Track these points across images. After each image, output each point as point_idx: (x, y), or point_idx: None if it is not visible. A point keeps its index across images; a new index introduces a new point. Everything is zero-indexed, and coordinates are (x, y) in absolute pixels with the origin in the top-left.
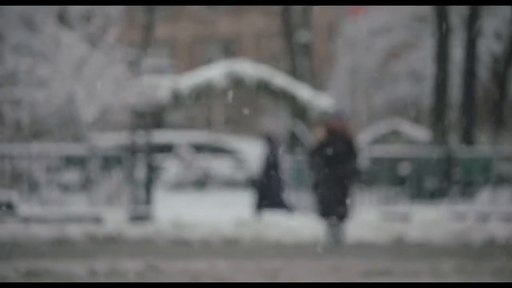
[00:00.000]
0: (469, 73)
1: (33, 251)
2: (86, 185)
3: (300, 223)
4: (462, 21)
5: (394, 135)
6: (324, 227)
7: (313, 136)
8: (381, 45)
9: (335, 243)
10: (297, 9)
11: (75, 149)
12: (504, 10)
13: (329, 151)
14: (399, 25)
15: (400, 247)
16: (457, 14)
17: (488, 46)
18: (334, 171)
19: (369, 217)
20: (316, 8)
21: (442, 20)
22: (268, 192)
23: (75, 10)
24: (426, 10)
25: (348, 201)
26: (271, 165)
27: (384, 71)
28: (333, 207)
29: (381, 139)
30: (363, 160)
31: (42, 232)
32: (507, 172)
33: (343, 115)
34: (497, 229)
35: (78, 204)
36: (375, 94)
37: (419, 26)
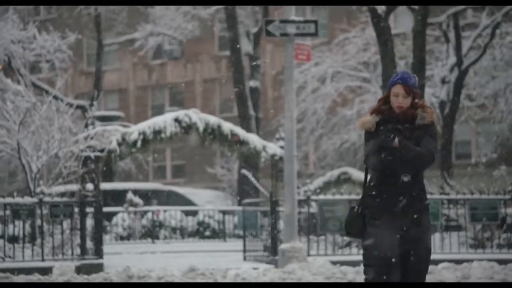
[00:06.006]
0: None
1: None
2: (34, 236)
3: (250, 269)
4: (408, 67)
5: (344, 180)
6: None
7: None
8: (328, 91)
9: None
10: (246, 56)
11: (23, 200)
12: (449, 58)
13: (386, 148)
14: (346, 71)
15: None
16: (404, 60)
17: (435, 92)
18: (396, 188)
19: (321, 264)
20: (266, 55)
21: (389, 66)
22: None
23: (22, 59)
24: (373, 56)
25: (427, 247)
26: None
27: (332, 118)
28: (393, 262)
29: (332, 186)
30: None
31: None
32: (455, 217)
33: (414, 83)
34: (446, 274)
35: (26, 256)
36: (325, 140)
37: (366, 72)
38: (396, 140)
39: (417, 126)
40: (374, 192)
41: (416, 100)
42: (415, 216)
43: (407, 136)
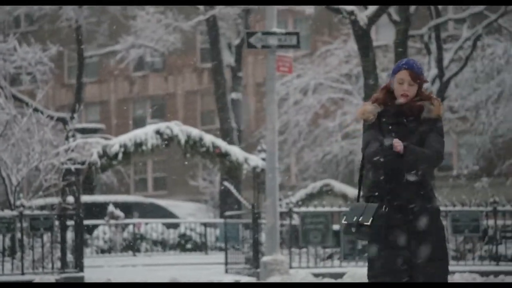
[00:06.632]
0: None
1: None
2: (13, 249)
3: (232, 281)
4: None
5: (326, 192)
6: None
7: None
8: (310, 103)
9: None
10: (227, 68)
11: (2, 213)
12: (431, 70)
13: (389, 144)
14: (328, 83)
15: None
16: (386, 72)
17: None
18: (399, 189)
19: (303, 277)
20: (247, 67)
21: (371, 78)
22: None
23: (2, 71)
24: (355, 68)
25: (441, 252)
26: None
27: (314, 129)
28: (403, 268)
29: (315, 197)
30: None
31: None
32: None
33: (420, 71)
34: None
35: (6, 270)
36: (307, 152)
37: (349, 84)
38: (401, 146)
39: (422, 120)
40: (377, 193)
41: (423, 90)
42: (426, 217)
43: (412, 130)
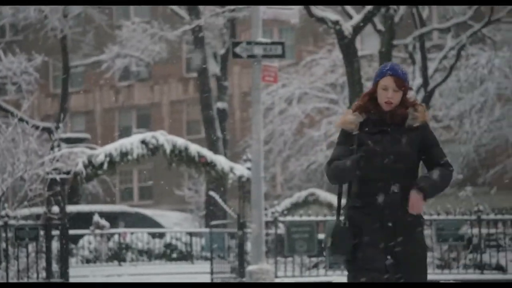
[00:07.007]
0: None
1: None
2: None
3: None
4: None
5: (312, 201)
6: None
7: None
8: (296, 113)
9: None
10: (213, 77)
11: None
12: (415, 79)
13: (371, 155)
14: (314, 93)
15: None
16: (370, 81)
17: None
18: (386, 200)
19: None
20: (233, 76)
21: (356, 87)
22: None
23: None
24: (340, 77)
25: (423, 272)
26: None
27: (300, 139)
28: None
29: (300, 206)
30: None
31: None
32: None
33: (406, 76)
34: None
35: None
36: (292, 162)
37: (334, 93)
38: (420, 207)
39: (407, 128)
40: (358, 204)
41: (407, 97)
42: (409, 231)
43: (397, 139)
